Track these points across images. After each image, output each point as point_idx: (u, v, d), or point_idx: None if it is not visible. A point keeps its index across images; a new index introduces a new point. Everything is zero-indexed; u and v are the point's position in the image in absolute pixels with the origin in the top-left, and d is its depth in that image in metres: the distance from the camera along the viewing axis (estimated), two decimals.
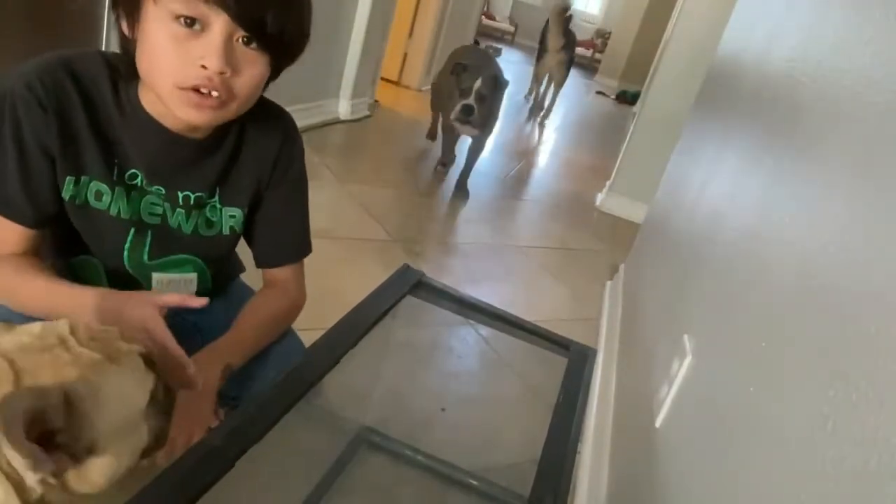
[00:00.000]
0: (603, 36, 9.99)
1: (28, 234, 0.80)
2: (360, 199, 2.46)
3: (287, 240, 0.99)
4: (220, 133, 0.86)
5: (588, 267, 2.66)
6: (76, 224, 0.84)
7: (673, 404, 0.96)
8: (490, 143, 3.60)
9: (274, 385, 0.72)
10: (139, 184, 0.84)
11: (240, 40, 0.73)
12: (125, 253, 0.87)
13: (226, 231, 0.93)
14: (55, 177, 0.79)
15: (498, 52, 8.02)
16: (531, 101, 6.07)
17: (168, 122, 0.81)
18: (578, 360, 0.98)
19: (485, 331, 1.79)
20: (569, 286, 2.43)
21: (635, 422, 1.19)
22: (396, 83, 4.89)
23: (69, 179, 0.80)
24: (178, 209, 0.88)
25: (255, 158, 0.91)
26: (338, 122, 3.48)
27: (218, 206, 0.91)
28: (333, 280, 1.82)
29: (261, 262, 0.99)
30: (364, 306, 0.92)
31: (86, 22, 2.04)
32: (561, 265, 2.62)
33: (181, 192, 0.87)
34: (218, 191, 0.90)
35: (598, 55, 9.77)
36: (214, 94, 0.73)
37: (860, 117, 0.63)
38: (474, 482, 1.25)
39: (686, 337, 0.99)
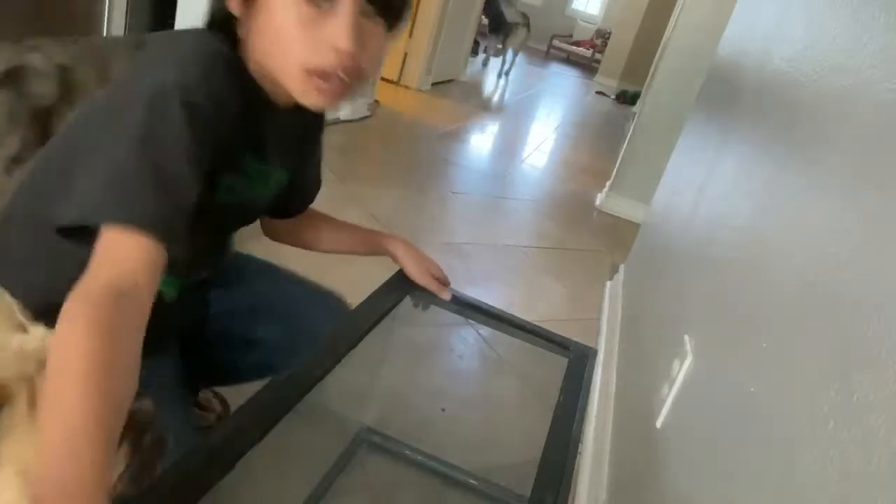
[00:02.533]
0: (603, 36, 9.99)
1: (160, 254, 0.60)
2: (359, 199, 2.46)
3: (311, 190, 1.03)
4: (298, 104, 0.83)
5: (588, 267, 2.66)
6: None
7: (673, 404, 0.96)
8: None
9: (274, 385, 0.72)
10: (250, 171, 0.80)
11: (364, 14, 0.69)
12: (231, 238, 0.89)
13: (273, 192, 0.90)
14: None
15: (499, 53, 8.02)
16: (488, 61, 7.68)
17: (272, 90, 0.76)
18: (579, 360, 0.98)
19: (485, 331, 1.79)
20: (569, 286, 2.43)
21: (635, 422, 1.19)
22: (396, 83, 4.89)
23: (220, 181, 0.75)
24: (266, 183, 0.85)
25: (305, 135, 0.92)
26: (338, 122, 3.48)
27: (282, 177, 0.89)
28: (333, 280, 1.82)
29: (293, 213, 1.03)
30: (364, 307, 0.92)
31: (86, 21, 2.04)
32: (561, 265, 2.62)
33: (277, 169, 0.85)
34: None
35: (598, 55, 9.76)
36: (342, 75, 0.68)
37: (860, 117, 0.63)
38: (474, 482, 1.25)
39: (686, 337, 0.99)
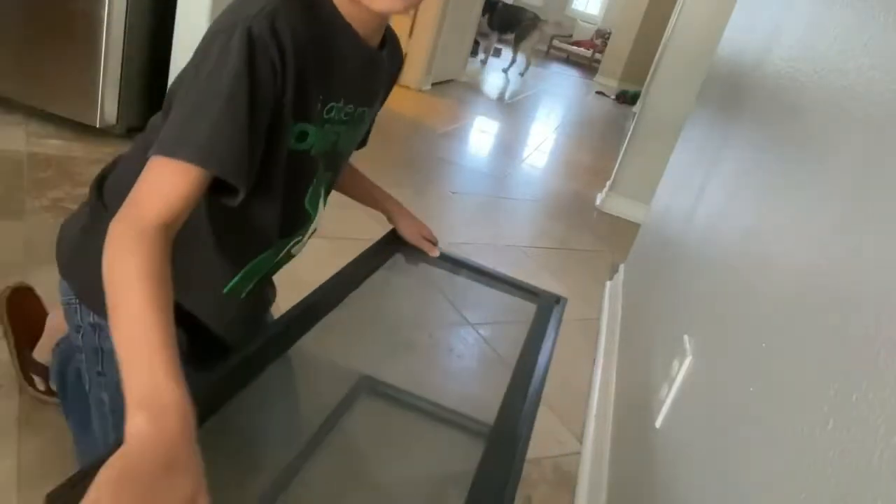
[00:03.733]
0: (603, 36, 9.99)
1: (203, 186, 0.63)
2: None
3: (365, 136, 1.01)
4: (383, 44, 0.82)
5: (588, 267, 2.65)
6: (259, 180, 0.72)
7: (673, 404, 0.96)
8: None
9: (267, 333, 0.76)
10: (334, 116, 0.78)
11: None
12: (309, 192, 0.84)
13: (358, 142, 0.92)
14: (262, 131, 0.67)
15: (498, 52, 8.02)
16: (487, 61, 7.76)
17: (360, 27, 0.74)
18: (546, 305, 1.04)
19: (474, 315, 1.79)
20: (569, 286, 2.43)
21: (635, 422, 1.19)
22: (396, 83, 4.88)
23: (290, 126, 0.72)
24: (351, 125, 0.83)
25: (388, 71, 0.90)
26: None
27: (367, 115, 0.88)
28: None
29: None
30: (356, 261, 1.00)
31: (86, 22, 2.04)
32: (561, 265, 2.62)
33: (359, 108, 0.83)
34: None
35: (598, 55, 9.76)
36: None
37: (860, 117, 0.63)
38: (468, 422, 1.27)
39: (686, 337, 0.99)
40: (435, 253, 1.13)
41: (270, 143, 0.68)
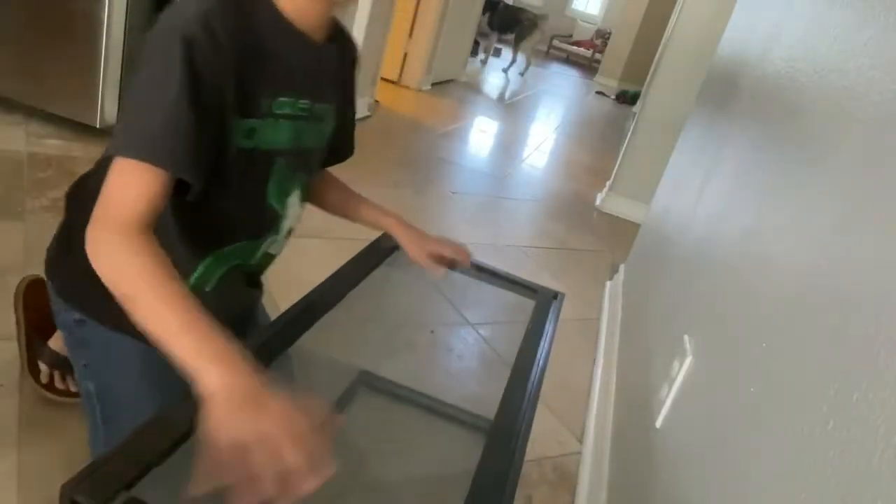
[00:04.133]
0: (603, 36, 9.99)
1: (165, 186, 0.65)
2: None
3: (346, 142, 1.00)
4: (331, 38, 0.83)
5: (588, 267, 2.65)
6: (215, 178, 0.73)
7: (673, 404, 0.96)
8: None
9: (273, 324, 0.77)
10: (287, 110, 0.79)
11: None
12: (269, 188, 0.83)
13: (325, 142, 0.91)
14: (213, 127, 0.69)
15: (498, 52, 8.03)
16: (487, 61, 7.76)
17: (301, 22, 0.75)
18: (545, 301, 1.05)
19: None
20: (569, 286, 2.42)
21: (635, 422, 1.19)
22: (396, 83, 4.89)
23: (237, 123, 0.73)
24: (312, 123, 0.84)
25: (340, 71, 0.90)
26: None
27: (329, 112, 0.88)
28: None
29: (342, 157, 1.01)
30: (356, 259, 1.00)
31: (86, 22, 2.04)
32: (561, 265, 2.62)
33: (318, 104, 0.84)
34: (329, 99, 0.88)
35: (598, 55, 9.76)
36: None
37: (860, 117, 0.63)
38: (467, 417, 1.26)
39: (686, 337, 0.99)
40: (439, 274, 1.06)
41: (217, 140, 0.70)
